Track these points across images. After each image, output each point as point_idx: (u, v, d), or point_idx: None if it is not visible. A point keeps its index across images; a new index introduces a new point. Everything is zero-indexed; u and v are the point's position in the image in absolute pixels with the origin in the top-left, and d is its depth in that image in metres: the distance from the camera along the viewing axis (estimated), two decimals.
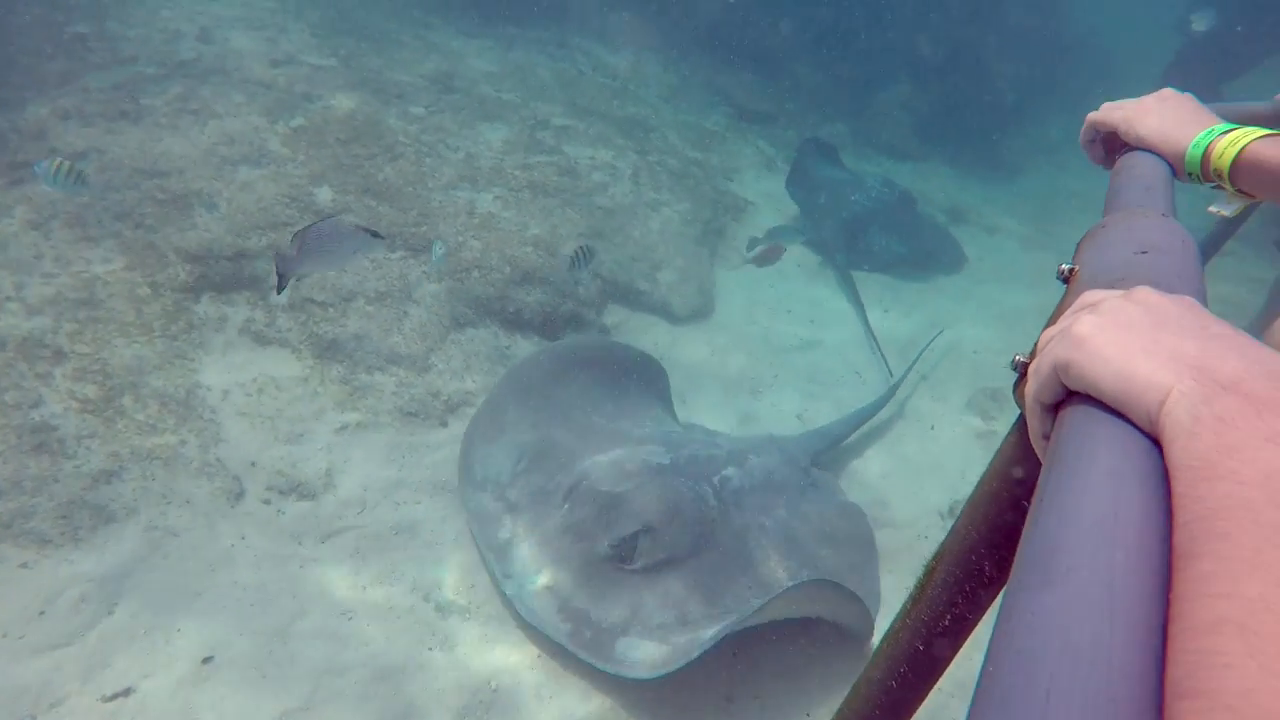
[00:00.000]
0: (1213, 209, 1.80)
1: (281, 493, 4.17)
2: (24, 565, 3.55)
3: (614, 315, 6.09)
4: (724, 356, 6.09)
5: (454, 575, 3.90)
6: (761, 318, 6.59)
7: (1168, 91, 1.93)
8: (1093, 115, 1.95)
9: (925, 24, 11.43)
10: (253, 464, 4.22)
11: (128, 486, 3.95)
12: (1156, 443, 0.72)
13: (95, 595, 3.51)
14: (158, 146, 5.70)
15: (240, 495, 4.10)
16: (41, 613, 3.41)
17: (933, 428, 5.76)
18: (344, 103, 6.93)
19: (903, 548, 4.47)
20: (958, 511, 1.42)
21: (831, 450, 5.02)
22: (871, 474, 5.20)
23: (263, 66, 7.21)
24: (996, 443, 1.24)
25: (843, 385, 6.12)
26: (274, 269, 3.48)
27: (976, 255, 8.55)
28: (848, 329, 6.81)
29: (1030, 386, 0.90)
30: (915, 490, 5.06)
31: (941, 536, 1.36)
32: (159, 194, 5.33)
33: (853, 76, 11.34)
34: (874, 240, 7.84)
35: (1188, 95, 1.91)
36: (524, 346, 5.52)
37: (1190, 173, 1.70)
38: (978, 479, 1.26)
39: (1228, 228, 3.82)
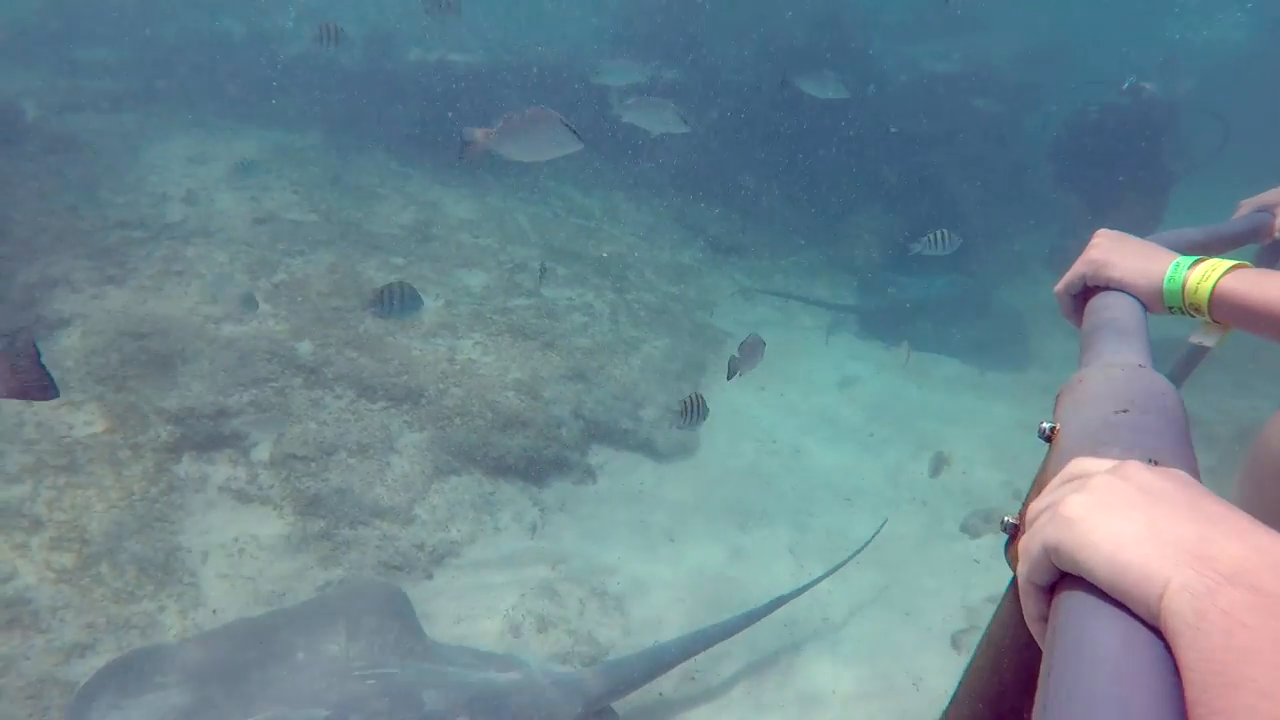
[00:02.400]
0: (1194, 339, 1.93)
1: None
2: None
3: (598, 456, 6.27)
4: (710, 492, 6.24)
5: None
6: (747, 450, 6.79)
7: (1106, 232, 2.08)
8: (1059, 286, 1.97)
9: (889, 153, 12.27)
10: None
11: (102, 660, 3.97)
12: (1159, 633, 0.71)
13: None
14: (142, 309, 6.00)
15: None
16: None
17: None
18: (325, 257, 7.34)
19: None
20: None
21: (632, 690, 4.01)
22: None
23: (245, 225, 7.67)
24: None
25: (831, 514, 6.26)
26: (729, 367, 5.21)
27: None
28: (834, 457, 7.00)
29: (1021, 567, 0.88)
30: None
31: None
32: (142, 356, 5.59)
33: (821, 205, 12.05)
34: (923, 325, 9.36)
35: (1121, 233, 2.07)
36: (508, 492, 5.67)
37: (1170, 306, 1.77)
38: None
39: (1198, 353, 4.05)
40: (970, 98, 13.67)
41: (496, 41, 13.00)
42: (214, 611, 4.33)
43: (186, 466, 5.05)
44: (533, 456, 5.85)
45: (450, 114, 10.84)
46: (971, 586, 5.84)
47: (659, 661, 4.03)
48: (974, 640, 5.29)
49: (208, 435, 5.22)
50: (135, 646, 4.05)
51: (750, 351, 5.52)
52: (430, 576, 4.90)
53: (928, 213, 11.98)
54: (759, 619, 4.45)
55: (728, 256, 10.46)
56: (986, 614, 5.49)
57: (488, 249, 8.56)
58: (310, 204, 8.42)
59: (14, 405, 5.11)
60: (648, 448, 6.44)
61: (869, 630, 5.08)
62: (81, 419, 5.15)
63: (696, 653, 4.22)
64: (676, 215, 10.95)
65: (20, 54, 11.26)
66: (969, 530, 6.49)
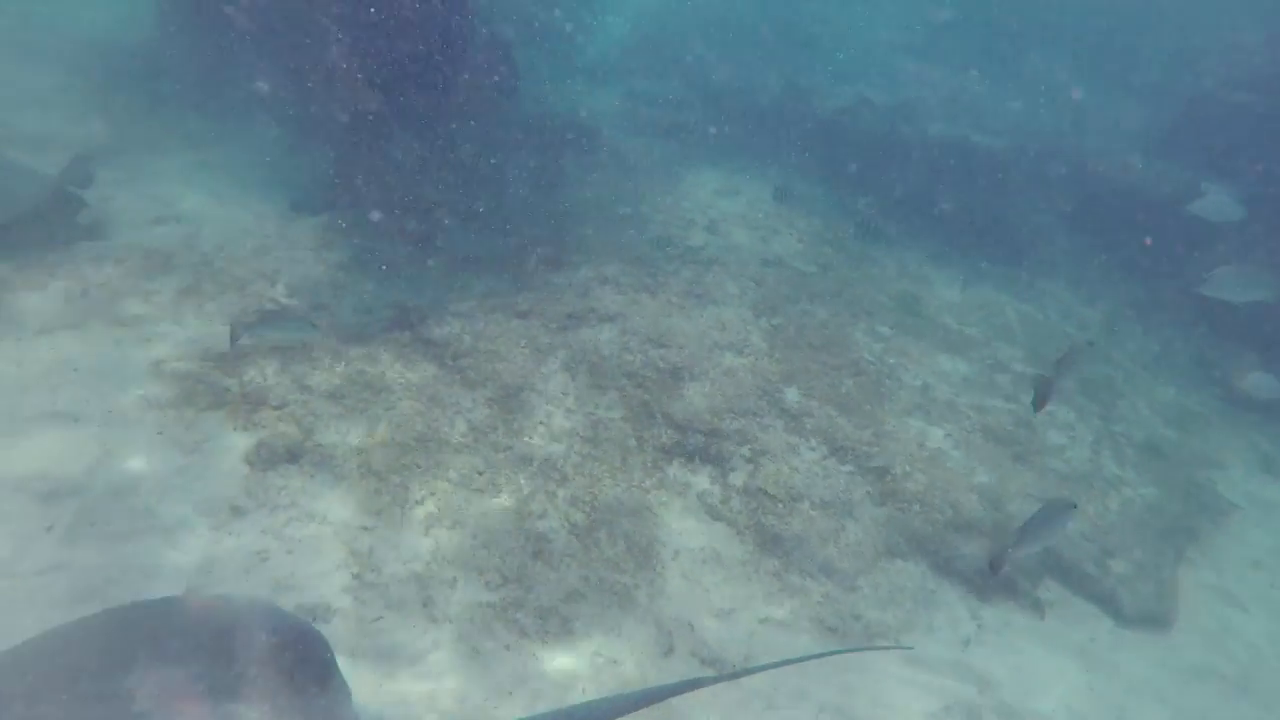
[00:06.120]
0: None
1: (703, 661, 4.77)
2: (507, 647, 4.53)
3: (1050, 591, 5.98)
4: (1181, 684, 5.59)
5: None
6: (1238, 650, 5.95)
7: None
8: None
9: None
10: (689, 626, 4.90)
11: (588, 609, 4.85)
12: None
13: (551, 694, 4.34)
14: (666, 321, 7.11)
15: (670, 651, 4.78)
16: (510, 693, 4.32)
17: None
18: (819, 311, 7.97)
19: None
20: None
21: None
22: None
23: (755, 264, 8.63)
24: None
25: None
26: (992, 558, 4.55)
27: None
28: None
29: None
30: None
31: None
32: (660, 363, 6.63)
33: None
34: None
35: None
36: (949, 595, 5.68)
37: None
38: None
39: None
40: None
41: (1023, 126, 12.85)
42: (688, 625, 5.00)
43: (675, 470, 5.90)
44: (983, 568, 5.78)
45: (961, 192, 11.02)
46: None
47: None
48: None
49: (697, 448, 6.02)
50: (613, 612, 4.88)
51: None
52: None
53: None
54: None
55: (1250, 413, 9.15)
56: None
57: (971, 339, 8.56)
58: (812, 255, 9.18)
59: (561, 378, 6.41)
60: (1110, 603, 5.97)
61: None
62: (605, 402, 6.28)
63: None
64: (1193, 352, 9.85)
65: (603, 80, 13.86)
66: None
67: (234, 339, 5.27)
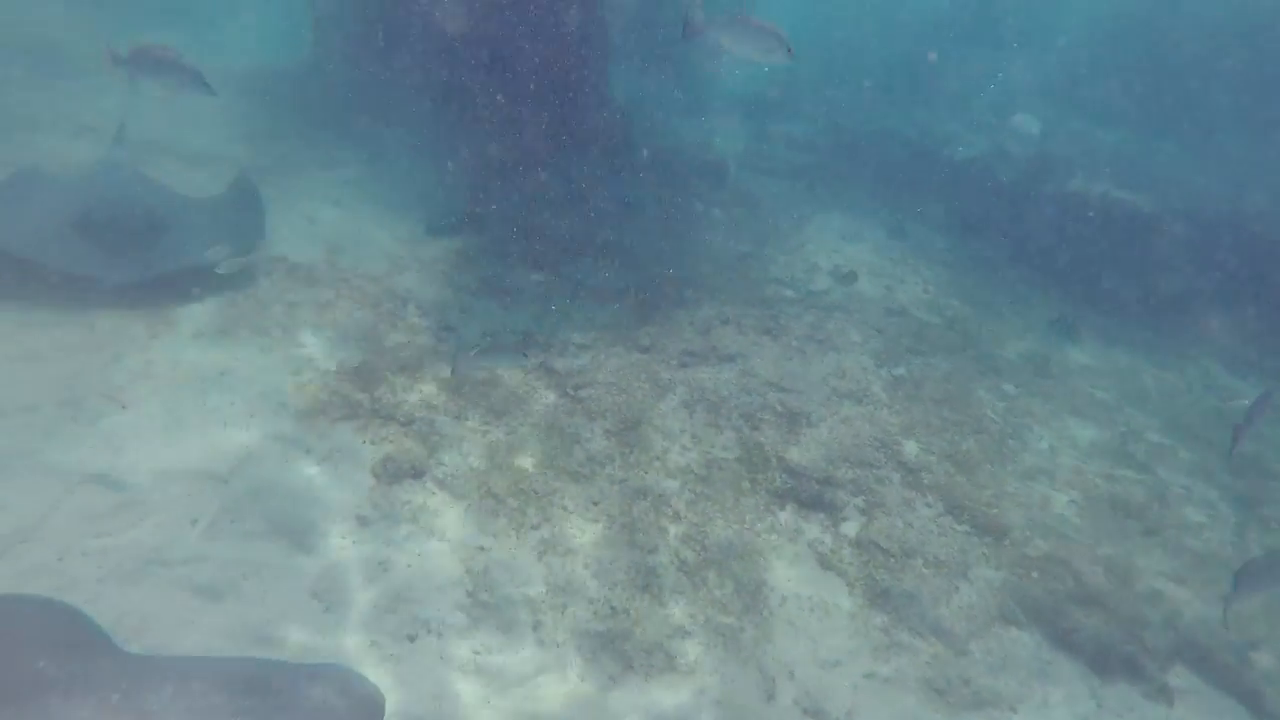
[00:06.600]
0: None
1: (805, 711, 4.79)
2: (612, 678, 4.68)
3: (1181, 679, 5.72)
4: None
5: None
6: None
7: None
8: None
9: None
10: (791, 673, 4.94)
11: (694, 647, 4.95)
12: None
13: None
14: (787, 365, 7.20)
15: (771, 697, 4.83)
16: None
17: None
18: (942, 364, 7.90)
19: None
20: None
21: None
22: None
23: (878, 312, 8.63)
24: None
25: None
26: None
27: None
28: None
29: None
30: None
31: None
32: (778, 406, 6.72)
33: None
34: None
35: None
36: (1066, 670, 5.51)
37: None
38: None
39: None
40: None
41: (1175, 183, 12.38)
42: (790, 674, 5.05)
43: (787, 515, 5.96)
44: (1104, 645, 5.59)
45: (1100, 250, 10.72)
46: None
47: None
48: None
49: (811, 496, 6.07)
50: (718, 652, 4.96)
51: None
52: (961, 716, 5.04)
53: None
54: None
55: None
56: None
57: (1103, 403, 8.30)
58: (938, 307, 9.11)
59: (680, 415, 6.57)
60: (1253, 701, 5.66)
61: None
62: (721, 442, 6.41)
63: None
64: None
65: (734, 118, 14.13)
66: None
67: (455, 368, 5.79)
